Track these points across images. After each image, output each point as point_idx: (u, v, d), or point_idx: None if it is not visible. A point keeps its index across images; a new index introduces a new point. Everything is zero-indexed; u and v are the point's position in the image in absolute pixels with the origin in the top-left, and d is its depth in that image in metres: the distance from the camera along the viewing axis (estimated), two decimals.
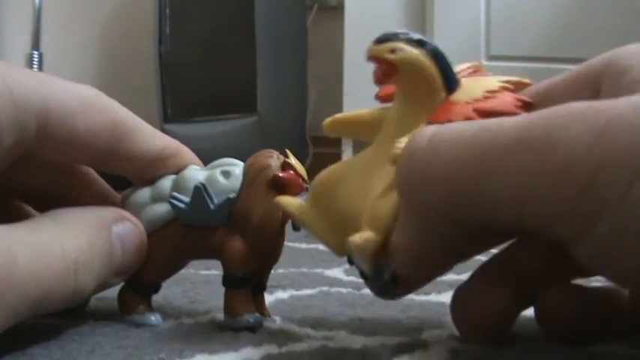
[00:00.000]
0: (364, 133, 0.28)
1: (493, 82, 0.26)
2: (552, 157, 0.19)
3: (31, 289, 0.22)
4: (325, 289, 0.38)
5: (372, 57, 0.25)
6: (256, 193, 0.28)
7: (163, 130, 1.66)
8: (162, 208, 0.29)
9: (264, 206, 0.28)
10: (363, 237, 0.23)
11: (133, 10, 1.85)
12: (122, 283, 0.29)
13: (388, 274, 0.24)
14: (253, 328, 0.28)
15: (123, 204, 0.30)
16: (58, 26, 1.78)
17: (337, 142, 1.48)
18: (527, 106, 0.24)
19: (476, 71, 0.27)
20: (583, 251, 0.19)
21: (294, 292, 0.37)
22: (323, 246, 0.27)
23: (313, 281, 0.40)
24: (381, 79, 0.25)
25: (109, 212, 0.28)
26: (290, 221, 0.29)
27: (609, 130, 0.18)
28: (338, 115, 0.29)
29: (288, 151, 0.29)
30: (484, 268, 0.26)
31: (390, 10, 1.33)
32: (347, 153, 1.39)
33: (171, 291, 0.35)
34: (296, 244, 0.60)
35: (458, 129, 0.21)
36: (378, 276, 0.24)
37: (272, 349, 0.25)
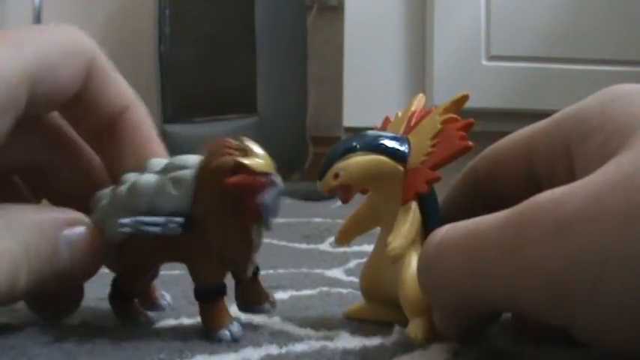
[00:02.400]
0: (371, 224, 0.31)
1: (435, 121, 0.27)
2: (522, 260, 0.20)
3: None
4: (325, 289, 0.38)
5: (326, 191, 0.28)
6: (210, 203, 0.26)
7: (163, 130, 1.66)
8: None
9: (221, 217, 0.26)
10: (413, 327, 0.26)
11: (133, 10, 1.85)
12: (109, 289, 0.29)
13: None
14: (236, 340, 0.26)
15: (94, 206, 0.29)
16: None
17: None
18: (468, 127, 0.26)
19: (418, 117, 0.29)
20: (576, 334, 0.20)
21: (295, 293, 0.37)
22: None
23: (313, 281, 0.40)
24: (346, 199, 0.28)
25: (62, 214, 0.26)
26: (264, 220, 0.26)
27: (567, 226, 0.19)
28: (341, 228, 0.31)
29: (243, 139, 0.27)
30: None
31: (390, 10, 1.32)
32: None
33: (172, 291, 0.35)
34: (296, 245, 0.60)
35: (454, 235, 0.23)
36: None
37: (272, 349, 0.25)
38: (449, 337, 0.25)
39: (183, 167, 0.27)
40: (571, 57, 1.25)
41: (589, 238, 0.18)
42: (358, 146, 0.27)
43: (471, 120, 0.27)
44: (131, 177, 0.28)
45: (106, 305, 0.31)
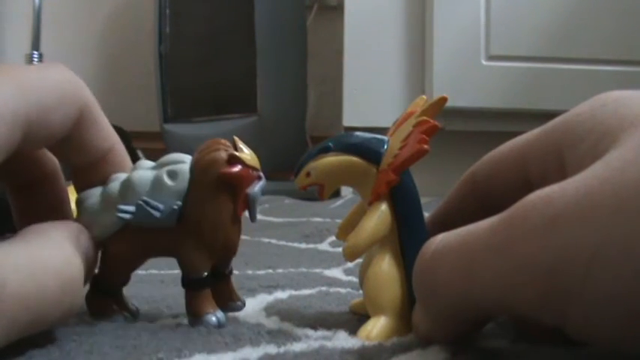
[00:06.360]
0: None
1: (410, 123, 0.28)
2: (513, 257, 0.20)
3: (22, 313, 0.22)
4: (324, 288, 0.38)
5: (300, 188, 0.29)
6: (204, 193, 0.28)
7: (163, 130, 1.65)
8: (114, 216, 0.28)
9: (214, 207, 0.28)
10: (369, 326, 0.27)
11: (133, 10, 1.85)
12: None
13: None
14: (222, 325, 0.28)
15: (78, 208, 0.30)
16: (58, 26, 1.78)
17: None
18: (431, 130, 0.27)
19: (404, 119, 0.29)
20: (569, 332, 0.20)
21: (293, 292, 0.37)
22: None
23: (312, 281, 0.40)
24: (321, 196, 0.29)
25: (76, 225, 0.28)
26: (247, 213, 0.29)
27: (558, 221, 0.19)
28: (341, 224, 0.31)
29: (236, 139, 0.29)
30: None
31: (390, 10, 1.32)
32: None
33: (170, 291, 0.35)
34: (295, 244, 0.60)
35: (449, 242, 0.23)
36: None
37: (271, 349, 0.25)
38: (437, 342, 0.25)
39: (177, 162, 0.28)
40: (571, 57, 1.25)
41: (579, 233, 0.19)
42: (333, 146, 0.28)
43: (436, 123, 0.27)
44: (120, 176, 0.29)
45: None
